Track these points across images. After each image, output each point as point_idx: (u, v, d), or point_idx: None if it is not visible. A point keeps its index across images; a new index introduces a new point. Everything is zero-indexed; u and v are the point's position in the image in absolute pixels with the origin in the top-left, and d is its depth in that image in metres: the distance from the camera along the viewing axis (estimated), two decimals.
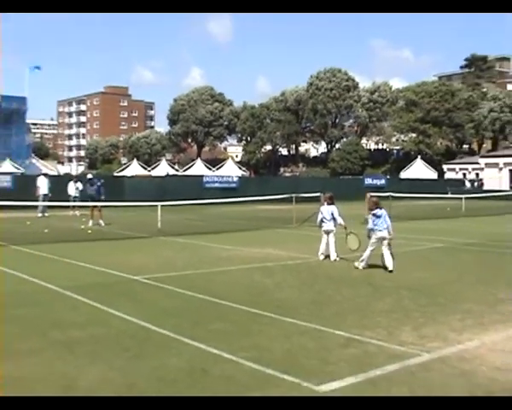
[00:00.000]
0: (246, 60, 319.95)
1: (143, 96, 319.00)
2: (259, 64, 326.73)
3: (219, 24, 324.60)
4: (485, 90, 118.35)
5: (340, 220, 17.42)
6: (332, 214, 17.43)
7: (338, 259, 17.11)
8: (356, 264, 15.54)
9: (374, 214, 15.45)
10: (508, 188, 72.61)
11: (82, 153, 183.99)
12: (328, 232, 17.41)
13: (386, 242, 15.32)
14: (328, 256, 17.30)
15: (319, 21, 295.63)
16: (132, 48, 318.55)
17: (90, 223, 28.36)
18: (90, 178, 31.33)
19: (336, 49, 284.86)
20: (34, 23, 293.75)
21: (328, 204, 17.69)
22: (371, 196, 16.11)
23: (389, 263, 15.09)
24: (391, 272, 14.87)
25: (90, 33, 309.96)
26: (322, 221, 17.61)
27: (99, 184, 29.91)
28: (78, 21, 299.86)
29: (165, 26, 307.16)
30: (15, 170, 67.81)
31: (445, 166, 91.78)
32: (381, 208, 15.53)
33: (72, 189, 38.56)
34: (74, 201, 36.34)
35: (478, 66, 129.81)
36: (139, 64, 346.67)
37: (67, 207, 35.57)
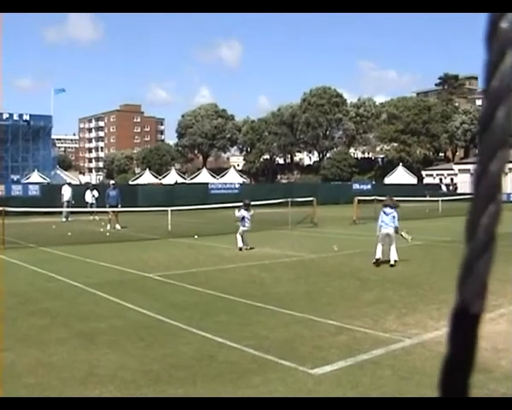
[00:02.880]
0: (250, 80, 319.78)
1: (156, 112, 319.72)
2: (261, 84, 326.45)
3: (230, 50, 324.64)
4: (457, 104, 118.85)
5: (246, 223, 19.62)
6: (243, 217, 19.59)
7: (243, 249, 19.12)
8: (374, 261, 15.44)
9: (384, 212, 15.59)
10: None
11: (100, 164, 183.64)
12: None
13: (390, 238, 15.53)
14: (252, 248, 19.28)
15: (315, 44, 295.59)
16: (149, 71, 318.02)
17: (108, 226, 28.38)
18: (113, 183, 31.66)
19: (330, 70, 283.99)
20: (61, 49, 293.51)
21: (244, 209, 19.76)
22: (388, 196, 16.37)
23: (392, 257, 15.39)
24: (392, 266, 15.10)
25: (110, 58, 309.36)
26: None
27: (116, 192, 30.02)
28: (100, 47, 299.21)
29: (178, 51, 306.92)
30: (42, 180, 67.84)
31: (423, 172, 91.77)
32: (392, 208, 15.66)
33: (89, 196, 38.49)
34: (91, 207, 36.24)
35: (450, 83, 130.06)
36: (154, 84, 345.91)
37: (88, 212, 35.56)
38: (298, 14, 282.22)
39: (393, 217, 15.59)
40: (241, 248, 19.16)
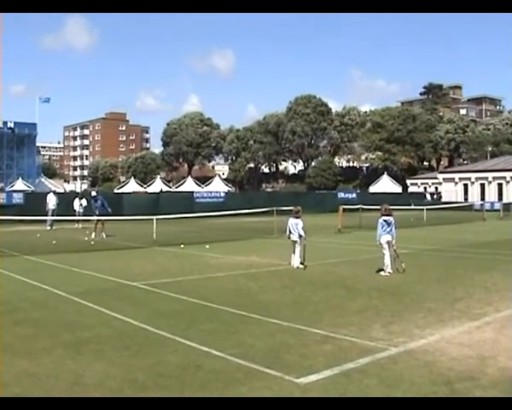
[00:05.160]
0: (240, 90, 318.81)
1: (144, 121, 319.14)
2: (251, 93, 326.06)
3: (222, 58, 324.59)
4: (441, 114, 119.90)
5: (301, 233, 16.95)
6: (297, 226, 17.06)
7: (301, 266, 16.75)
8: (382, 273, 15.42)
9: (385, 220, 15.78)
10: (462, 200, 73.04)
11: (85, 172, 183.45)
12: (294, 242, 17.16)
13: (391, 246, 15.81)
14: (301, 263, 16.96)
15: (306, 53, 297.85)
16: (137, 79, 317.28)
17: (93, 235, 28.19)
18: (94, 196, 31.22)
19: (320, 79, 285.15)
20: (49, 56, 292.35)
21: (295, 217, 17.30)
22: (385, 205, 16.37)
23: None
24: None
25: (98, 66, 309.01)
26: (290, 232, 17.27)
27: (101, 200, 29.79)
28: (90, 55, 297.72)
29: (168, 59, 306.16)
30: (27, 188, 67.59)
31: (408, 181, 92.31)
32: (391, 216, 15.92)
33: (77, 205, 38.29)
34: (79, 215, 36.04)
35: (435, 93, 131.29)
36: (143, 92, 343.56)
37: (73, 221, 35.37)
38: (291, 23, 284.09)
39: (393, 225, 16.01)
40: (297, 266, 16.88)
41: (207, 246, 23.07)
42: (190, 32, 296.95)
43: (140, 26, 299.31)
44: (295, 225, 17.12)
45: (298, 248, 17.06)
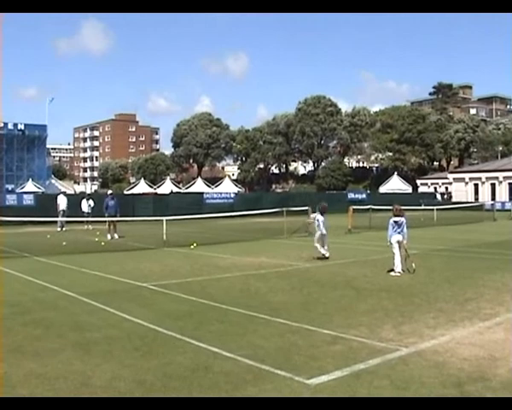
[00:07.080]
0: (250, 91, 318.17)
1: (154, 122, 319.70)
2: (263, 94, 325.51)
3: (236, 61, 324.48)
4: (451, 114, 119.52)
5: (323, 231, 18.47)
6: (318, 221, 18.57)
7: (327, 254, 18.36)
8: (393, 274, 15.37)
9: (395, 221, 15.80)
10: (473, 200, 72.71)
11: (95, 173, 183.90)
12: (323, 235, 18.62)
13: (402, 245, 15.81)
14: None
15: (318, 55, 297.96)
16: (149, 81, 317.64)
17: (109, 236, 28.24)
18: (111, 193, 31.45)
19: (331, 80, 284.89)
20: (59, 60, 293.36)
21: (321, 214, 18.73)
22: (396, 205, 16.34)
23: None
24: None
25: (110, 69, 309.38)
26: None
27: (115, 201, 29.90)
28: (102, 57, 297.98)
29: (180, 61, 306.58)
30: (37, 189, 67.89)
31: (418, 181, 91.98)
32: (402, 216, 15.89)
33: (85, 205, 38.28)
34: (87, 216, 36.03)
35: (444, 93, 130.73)
36: (155, 94, 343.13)
37: (83, 222, 35.42)
38: (303, 25, 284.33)
39: (405, 225, 15.95)
40: (324, 255, 18.62)
41: (192, 246, 23.34)
42: (203, 35, 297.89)
43: (153, 29, 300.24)
44: (321, 221, 18.57)
45: (325, 239, 18.68)
